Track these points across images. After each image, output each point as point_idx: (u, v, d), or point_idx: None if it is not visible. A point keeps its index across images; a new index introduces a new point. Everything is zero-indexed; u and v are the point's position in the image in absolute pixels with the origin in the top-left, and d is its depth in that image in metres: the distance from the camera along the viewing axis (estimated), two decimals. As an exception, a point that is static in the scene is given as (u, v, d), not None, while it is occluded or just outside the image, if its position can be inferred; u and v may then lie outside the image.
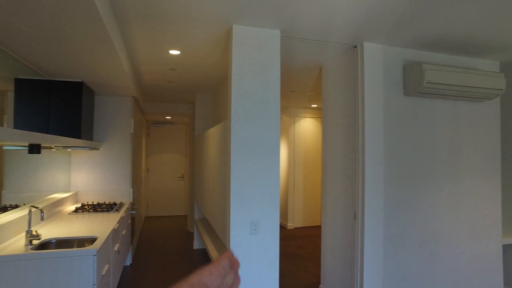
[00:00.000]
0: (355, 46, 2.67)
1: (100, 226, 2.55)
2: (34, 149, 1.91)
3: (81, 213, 3.11)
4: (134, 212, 4.26)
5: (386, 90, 2.66)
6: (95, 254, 1.87)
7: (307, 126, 6.41)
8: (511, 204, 3.22)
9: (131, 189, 4.09)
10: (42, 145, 2.43)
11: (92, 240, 2.21)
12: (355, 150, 2.67)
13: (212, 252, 3.30)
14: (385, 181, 2.63)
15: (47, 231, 2.36)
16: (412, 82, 2.60)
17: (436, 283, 2.77)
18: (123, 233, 3.29)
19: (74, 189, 3.81)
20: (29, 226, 2.10)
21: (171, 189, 7.58)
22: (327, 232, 3.10)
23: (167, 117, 7.08)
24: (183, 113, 6.19)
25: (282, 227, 6.28)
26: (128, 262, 4.07)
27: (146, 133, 7.43)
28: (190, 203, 5.82)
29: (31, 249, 1.92)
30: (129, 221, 3.91)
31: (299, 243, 5.17)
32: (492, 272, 2.98)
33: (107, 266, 2.28)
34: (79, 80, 3.06)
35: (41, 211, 2.15)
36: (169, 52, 2.94)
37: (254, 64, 2.32)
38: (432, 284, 2.76)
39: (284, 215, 6.33)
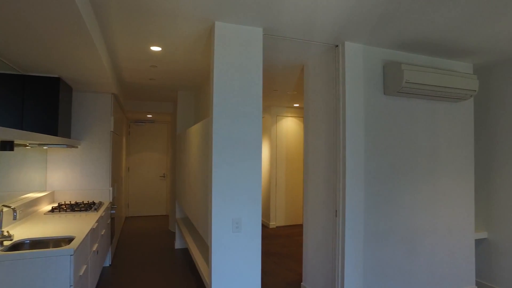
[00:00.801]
0: (337, 46, 2.71)
1: (77, 226, 2.48)
2: (7, 146, 1.83)
3: (58, 212, 3.02)
4: (113, 211, 4.16)
5: (367, 89, 2.71)
6: (72, 254, 1.81)
7: (289, 125, 6.45)
8: (481, 200, 3.35)
9: (111, 188, 4.00)
10: (15, 142, 2.34)
11: (69, 240, 2.15)
12: (336, 148, 2.70)
13: (194, 251, 3.28)
14: (365, 179, 2.68)
15: (21, 232, 2.27)
16: (392, 81, 2.66)
17: (414, 278, 2.85)
18: (102, 233, 3.21)
19: (51, 189, 3.69)
20: (0, 226, 2.02)
21: (152, 189, 7.47)
22: (309, 230, 3.13)
23: (148, 115, 6.97)
24: (164, 111, 6.10)
25: (265, 226, 6.30)
26: (108, 262, 3.98)
27: (127, 132, 7.29)
28: (171, 203, 5.75)
29: (2, 250, 1.84)
30: (109, 221, 3.83)
31: (281, 241, 5.20)
32: (466, 265, 3.10)
33: (85, 266, 2.22)
34: (56, 76, 2.97)
35: (14, 210, 2.07)
36: (150, 49, 2.89)
37: (237, 61, 2.31)
38: (411, 278, 2.84)
39: (266, 214, 6.35)
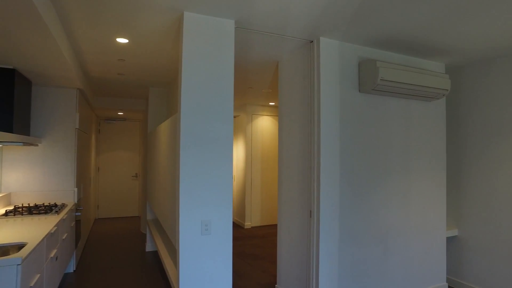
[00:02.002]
0: (312, 41, 2.64)
1: (34, 231, 2.27)
2: None
3: (13, 216, 2.78)
4: (79, 213, 3.92)
5: (342, 87, 2.66)
6: (20, 263, 1.63)
7: (265, 124, 6.38)
8: (451, 198, 3.40)
9: (76, 189, 3.76)
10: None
11: (20, 247, 1.95)
12: (311, 147, 2.64)
13: (163, 254, 3.12)
14: (340, 178, 2.63)
15: (-34, 238, 2.05)
16: (367, 79, 2.63)
17: (388, 277, 2.84)
18: (64, 237, 3.00)
19: (6, 190, 3.41)
20: None
21: (124, 189, 7.19)
22: (283, 231, 3.05)
23: (119, 113, 6.68)
24: (136, 109, 5.86)
25: (240, 227, 6.19)
26: (72, 268, 3.74)
27: (97, 130, 6.97)
28: (143, 204, 5.53)
29: None
30: (73, 223, 3.59)
31: (256, 242, 5.11)
32: (437, 263, 3.13)
33: (39, 275, 2.03)
34: (10, 67, 2.73)
35: (-43, 215, 1.86)
36: (116, 40, 2.71)
37: (207, 54, 2.19)
38: (384, 278, 2.82)
39: (241, 214, 6.25)
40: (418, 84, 2.69)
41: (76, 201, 3.75)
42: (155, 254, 4.46)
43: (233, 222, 6.59)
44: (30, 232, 2.24)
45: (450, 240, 3.42)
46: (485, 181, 3.12)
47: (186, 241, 2.10)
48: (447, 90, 2.86)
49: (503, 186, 2.96)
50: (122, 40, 2.71)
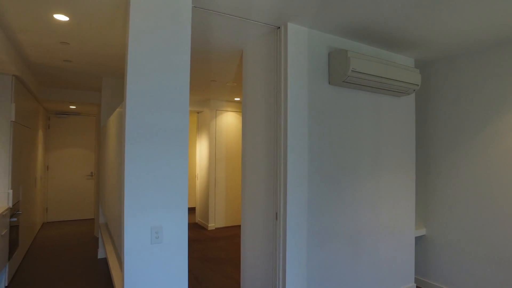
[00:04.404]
0: (279, 27, 2.42)
1: None
2: None
3: None
4: (14, 219, 3.43)
5: (311, 78, 2.46)
6: None
7: (230, 121, 6.10)
8: (419, 197, 3.34)
9: (11, 191, 3.27)
10: None
11: None
12: (277, 144, 2.42)
13: (112, 262, 2.76)
14: (308, 177, 2.43)
15: None
16: (337, 70, 2.45)
17: (358, 279, 2.69)
18: (-10, 247, 2.55)
19: None
20: None
21: (77, 190, 6.62)
22: (247, 234, 2.81)
23: (71, 106, 6.10)
24: (90, 102, 5.35)
25: (203, 228, 5.88)
26: (3, 284, 3.25)
27: (45, 125, 6.33)
28: (98, 205, 5.07)
29: None
30: (5, 231, 3.12)
31: (220, 244, 4.84)
32: (406, 263, 3.04)
33: None
34: None
35: None
36: (53, 17, 2.32)
37: (159, 35, 1.89)
38: (355, 280, 2.67)
39: (204, 215, 5.94)
40: (390, 77, 2.56)
41: (11, 205, 3.27)
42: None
43: (196, 224, 6.26)
44: None
45: (418, 239, 3.36)
46: (451, 179, 3.07)
47: (133, 251, 1.79)
48: (418, 85, 2.76)
49: (469, 183, 2.92)
50: (61, 17, 2.33)
